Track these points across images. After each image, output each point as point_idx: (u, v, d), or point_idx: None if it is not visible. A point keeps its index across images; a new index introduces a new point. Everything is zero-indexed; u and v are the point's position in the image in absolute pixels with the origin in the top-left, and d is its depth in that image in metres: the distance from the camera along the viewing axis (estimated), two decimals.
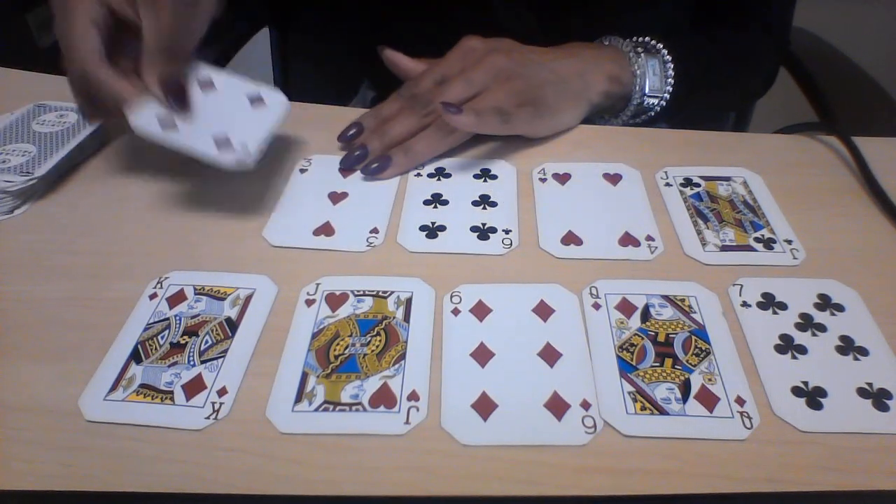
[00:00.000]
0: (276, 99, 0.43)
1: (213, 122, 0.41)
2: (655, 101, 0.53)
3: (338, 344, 0.34)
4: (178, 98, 0.41)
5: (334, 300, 0.37)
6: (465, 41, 0.50)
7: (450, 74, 0.48)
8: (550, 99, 0.48)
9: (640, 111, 0.54)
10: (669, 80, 0.53)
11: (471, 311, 0.36)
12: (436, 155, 0.48)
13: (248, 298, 0.37)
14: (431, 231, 0.42)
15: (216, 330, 0.35)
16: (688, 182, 0.46)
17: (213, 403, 0.31)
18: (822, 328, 0.35)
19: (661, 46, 0.53)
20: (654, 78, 0.52)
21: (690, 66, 0.53)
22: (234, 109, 0.42)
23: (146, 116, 0.40)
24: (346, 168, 0.47)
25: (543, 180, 0.46)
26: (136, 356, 0.34)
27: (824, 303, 0.37)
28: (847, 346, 0.34)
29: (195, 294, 0.37)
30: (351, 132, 0.48)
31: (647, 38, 0.54)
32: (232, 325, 0.35)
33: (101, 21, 0.41)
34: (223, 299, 0.37)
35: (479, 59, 0.48)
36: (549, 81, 0.49)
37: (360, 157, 0.47)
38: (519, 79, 0.47)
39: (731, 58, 0.59)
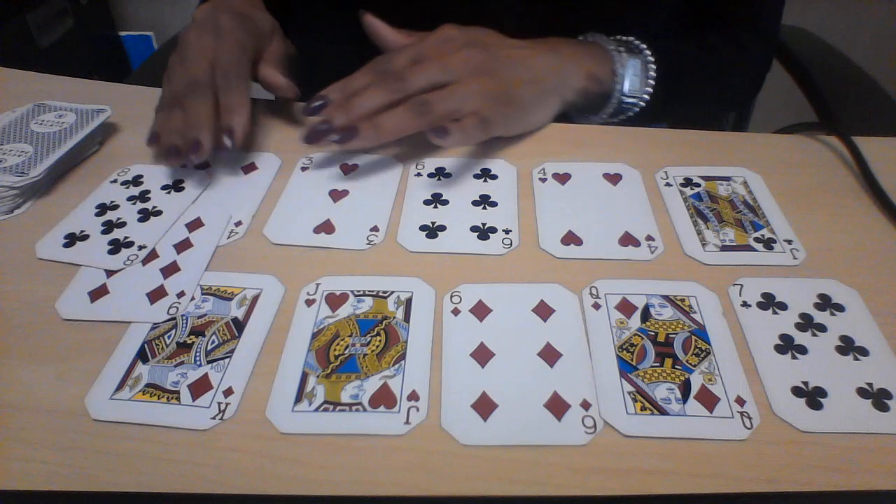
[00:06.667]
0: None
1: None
2: (634, 100, 0.52)
3: (338, 344, 0.34)
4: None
5: (334, 300, 0.37)
6: (443, 29, 0.49)
7: (427, 57, 0.47)
8: (526, 98, 0.48)
9: (619, 111, 0.53)
10: (650, 81, 0.52)
11: (471, 311, 0.36)
12: (405, 134, 0.45)
13: (255, 299, 0.37)
14: (431, 231, 0.42)
15: (223, 330, 0.35)
16: (688, 182, 0.46)
17: (220, 404, 0.31)
18: (822, 328, 0.35)
19: (645, 47, 0.52)
20: (634, 78, 0.52)
21: (674, 69, 0.52)
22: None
23: None
24: (309, 142, 0.44)
25: (543, 180, 0.46)
26: (142, 355, 0.34)
27: (824, 303, 0.37)
28: (847, 346, 0.34)
29: (202, 294, 0.37)
30: (316, 104, 0.46)
31: (630, 38, 0.53)
32: (239, 326, 0.35)
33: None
34: (230, 299, 0.37)
35: (457, 49, 0.47)
36: (524, 80, 0.48)
37: (324, 130, 0.44)
38: (494, 76, 0.47)
39: (719, 64, 0.59)
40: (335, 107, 0.45)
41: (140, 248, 0.40)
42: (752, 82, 0.64)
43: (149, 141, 0.47)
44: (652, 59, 0.52)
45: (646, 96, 0.52)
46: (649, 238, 0.41)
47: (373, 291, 0.37)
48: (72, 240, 0.40)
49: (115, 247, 0.40)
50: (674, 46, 0.55)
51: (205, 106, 0.46)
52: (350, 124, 0.44)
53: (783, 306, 0.36)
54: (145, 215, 0.43)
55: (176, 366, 0.33)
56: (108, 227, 0.42)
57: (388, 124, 0.44)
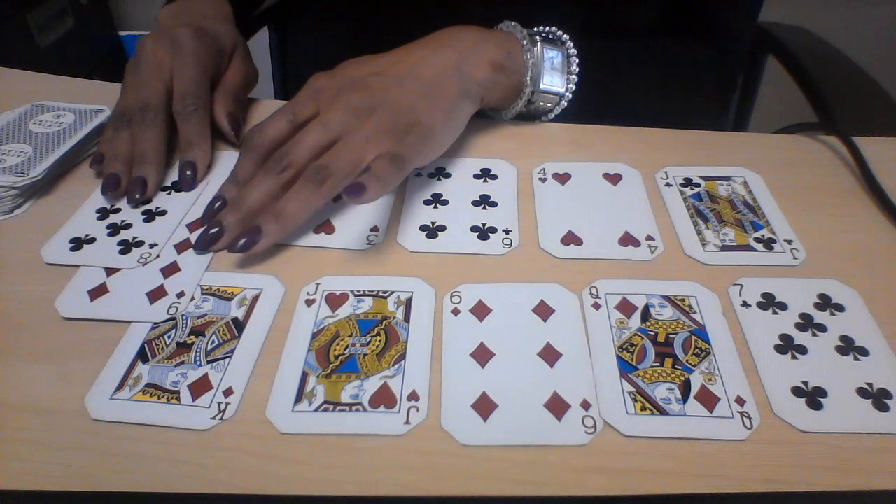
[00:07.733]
0: None
1: None
2: (556, 97, 0.49)
3: (338, 344, 0.34)
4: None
5: (334, 300, 0.37)
6: (311, 81, 0.46)
7: (302, 114, 0.44)
8: (426, 117, 0.42)
9: (540, 109, 0.50)
10: (573, 76, 0.48)
11: (471, 311, 0.36)
12: (313, 211, 0.40)
13: (255, 299, 0.37)
14: (431, 231, 0.42)
15: (223, 330, 0.35)
16: (688, 182, 0.46)
17: (220, 404, 0.31)
18: (822, 328, 0.35)
19: (567, 38, 0.48)
20: (553, 72, 0.47)
21: (606, 67, 0.49)
22: None
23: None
24: (201, 251, 0.40)
25: (543, 180, 0.46)
26: (142, 355, 0.34)
27: (824, 303, 0.37)
28: (847, 346, 0.34)
29: (202, 294, 0.37)
30: (217, 205, 0.42)
31: (552, 28, 0.49)
32: (239, 326, 0.35)
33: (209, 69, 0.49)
34: (230, 299, 0.37)
35: (332, 99, 0.43)
36: (418, 96, 0.43)
37: (215, 235, 0.39)
38: (382, 109, 0.42)
39: (670, 68, 0.56)
40: (231, 206, 0.41)
41: (151, 246, 0.40)
42: (718, 91, 0.62)
43: (92, 161, 0.46)
44: (574, 51, 0.48)
45: (569, 94, 0.49)
46: (649, 238, 0.41)
47: (373, 291, 0.37)
48: (78, 244, 0.40)
49: (126, 247, 0.40)
50: (616, 44, 0.52)
51: (154, 133, 0.45)
52: (248, 224, 0.39)
53: (783, 306, 0.36)
54: (150, 216, 0.43)
55: (176, 366, 0.33)
56: (114, 229, 0.41)
57: (290, 208, 0.39)
